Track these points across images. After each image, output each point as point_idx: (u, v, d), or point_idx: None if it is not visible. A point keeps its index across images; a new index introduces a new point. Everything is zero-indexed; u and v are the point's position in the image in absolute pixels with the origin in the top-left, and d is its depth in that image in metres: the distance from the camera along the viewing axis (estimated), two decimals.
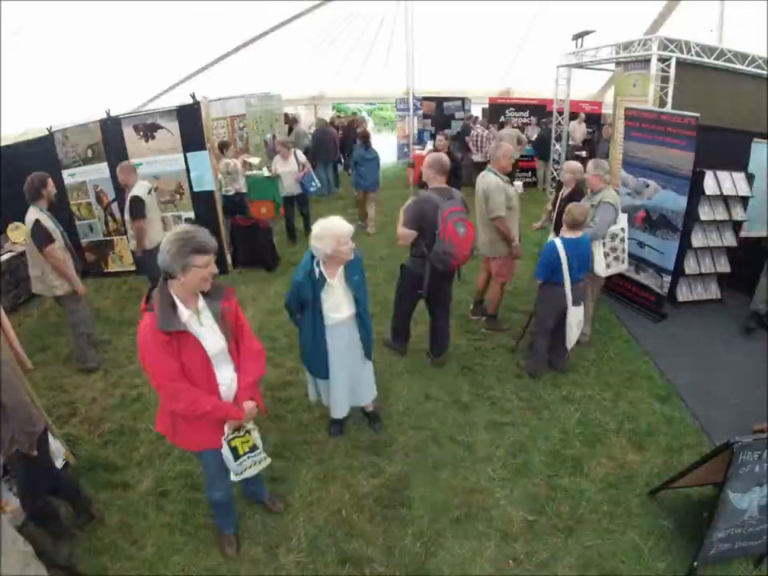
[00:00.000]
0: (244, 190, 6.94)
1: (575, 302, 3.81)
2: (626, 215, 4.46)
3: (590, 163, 4.36)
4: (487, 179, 4.34)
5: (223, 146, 6.86)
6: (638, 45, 6.54)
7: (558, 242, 3.73)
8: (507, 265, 4.58)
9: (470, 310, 5.03)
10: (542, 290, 3.94)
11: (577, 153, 10.18)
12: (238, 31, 8.82)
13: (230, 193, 6.69)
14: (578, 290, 3.80)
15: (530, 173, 10.84)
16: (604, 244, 4.23)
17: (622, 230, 4.34)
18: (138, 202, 4.67)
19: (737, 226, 5.01)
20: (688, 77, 6.12)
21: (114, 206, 6.23)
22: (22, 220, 5.58)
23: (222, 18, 7.82)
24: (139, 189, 4.74)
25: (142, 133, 5.85)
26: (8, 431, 2.21)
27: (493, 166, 4.40)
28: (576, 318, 3.86)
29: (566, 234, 3.77)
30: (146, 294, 2.09)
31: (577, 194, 4.52)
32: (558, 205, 4.68)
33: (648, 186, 4.96)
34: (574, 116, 9.91)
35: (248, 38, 9.15)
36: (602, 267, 4.22)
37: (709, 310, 5.14)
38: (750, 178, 4.86)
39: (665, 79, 6.14)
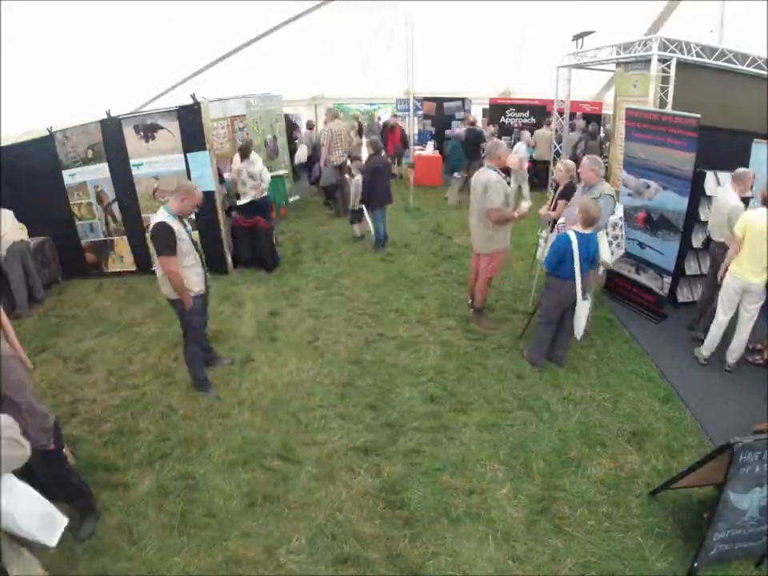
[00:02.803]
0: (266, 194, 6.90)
1: (584, 296, 3.89)
2: (621, 205, 4.64)
3: (586, 158, 4.52)
4: (487, 174, 4.41)
5: (246, 150, 6.65)
6: (639, 45, 6.55)
7: (573, 235, 3.79)
8: (497, 260, 4.64)
9: (469, 305, 5.03)
10: (550, 282, 4.01)
11: (578, 154, 10.19)
12: (238, 32, 8.80)
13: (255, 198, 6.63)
14: (584, 283, 3.89)
15: (528, 173, 10.82)
16: (607, 233, 4.34)
17: (620, 218, 4.51)
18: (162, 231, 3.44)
19: None
20: (688, 77, 6.12)
21: (115, 206, 6.23)
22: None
23: (222, 18, 7.82)
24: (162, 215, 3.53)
25: (142, 133, 5.84)
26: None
27: (494, 163, 4.46)
28: (584, 310, 3.95)
29: (580, 229, 3.84)
30: None
31: (569, 189, 4.69)
32: (553, 201, 4.86)
33: (649, 186, 4.96)
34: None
35: (248, 38, 9.14)
36: (607, 256, 4.31)
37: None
38: None
39: (665, 80, 6.15)
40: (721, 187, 4.60)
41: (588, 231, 3.83)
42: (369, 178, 6.62)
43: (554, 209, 4.82)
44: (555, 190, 5.04)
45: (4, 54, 5.97)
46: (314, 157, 9.67)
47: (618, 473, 3.09)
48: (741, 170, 4.27)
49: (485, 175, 4.43)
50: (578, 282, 3.83)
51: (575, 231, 3.83)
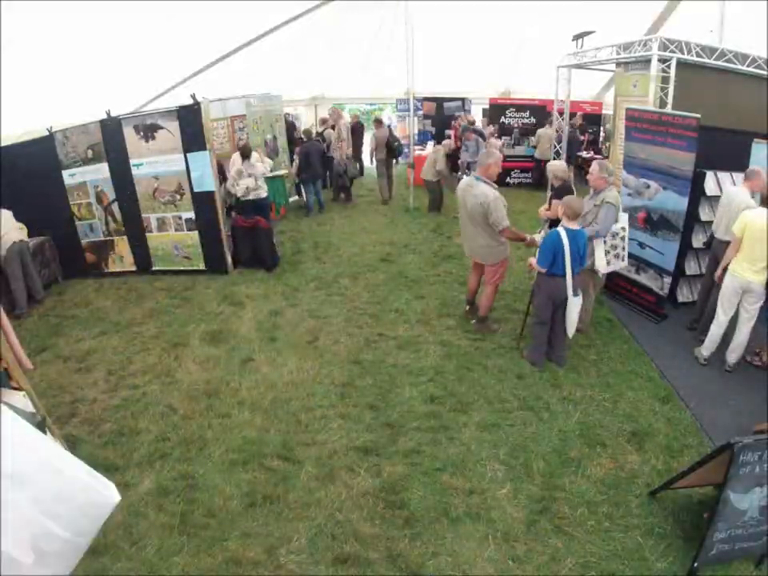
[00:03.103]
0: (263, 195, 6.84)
1: (575, 293, 3.89)
2: (626, 214, 4.52)
3: (594, 164, 4.46)
4: (481, 189, 4.19)
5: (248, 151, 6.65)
6: (639, 45, 6.54)
7: (562, 231, 3.79)
8: (504, 267, 4.61)
9: (465, 312, 5.01)
10: (541, 281, 4.01)
11: (578, 154, 10.20)
12: (238, 32, 8.81)
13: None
14: (575, 281, 3.89)
15: (529, 173, 10.85)
16: (605, 242, 4.29)
17: (623, 228, 4.40)
18: None
19: None
20: (688, 77, 6.11)
21: (115, 206, 6.23)
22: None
23: (222, 18, 7.82)
24: None
25: (142, 133, 5.84)
26: None
27: (481, 173, 4.27)
28: (576, 307, 3.95)
29: (567, 224, 3.84)
30: None
31: (562, 190, 4.67)
32: (549, 201, 4.86)
33: (649, 186, 4.96)
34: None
35: (248, 38, 9.14)
36: (602, 264, 4.29)
37: None
38: None
39: (665, 80, 6.14)
40: (734, 186, 4.54)
41: (575, 226, 3.84)
42: (303, 159, 8.47)
43: (548, 208, 4.82)
44: (552, 190, 5.06)
45: (4, 54, 5.97)
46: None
47: (618, 473, 3.09)
48: (753, 167, 4.28)
49: (479, 190, 4.18)
50: (569, 278, 3.83)
51: (564, 227, 3.82)
